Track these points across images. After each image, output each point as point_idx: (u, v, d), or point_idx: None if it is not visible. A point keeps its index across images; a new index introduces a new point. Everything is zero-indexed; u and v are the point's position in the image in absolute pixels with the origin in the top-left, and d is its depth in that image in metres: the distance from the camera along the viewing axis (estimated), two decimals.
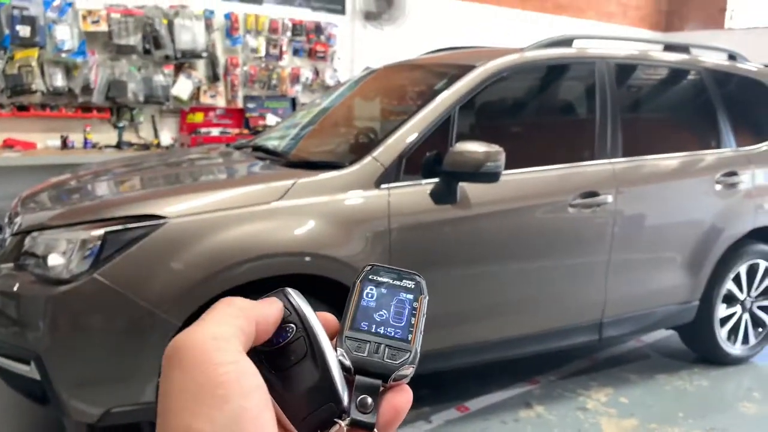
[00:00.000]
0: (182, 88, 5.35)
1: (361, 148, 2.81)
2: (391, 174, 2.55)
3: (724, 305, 3.49)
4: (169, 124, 5.51)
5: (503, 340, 2.88)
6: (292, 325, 0.43)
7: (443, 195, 2.58)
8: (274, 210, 2.36)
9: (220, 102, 5.78)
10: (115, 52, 5.04)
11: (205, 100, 5.64)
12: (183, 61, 5.37)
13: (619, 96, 3.15)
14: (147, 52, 5.13)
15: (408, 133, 2.62)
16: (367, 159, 2.56)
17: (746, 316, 3.60)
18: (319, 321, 0.44)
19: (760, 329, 3.67)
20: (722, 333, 3.52)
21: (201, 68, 5.61)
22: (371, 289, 0.47)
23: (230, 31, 5.74)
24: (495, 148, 2.49)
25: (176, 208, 2.26)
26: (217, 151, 3.61)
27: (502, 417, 3.00)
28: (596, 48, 3.27)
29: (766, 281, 3.60)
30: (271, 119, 6.00)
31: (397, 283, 0.47)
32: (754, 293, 3.59)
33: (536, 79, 3.22)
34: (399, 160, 2.57)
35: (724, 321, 3.52)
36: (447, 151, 2.56)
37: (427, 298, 0.47)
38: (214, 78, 5.65)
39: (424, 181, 2.60)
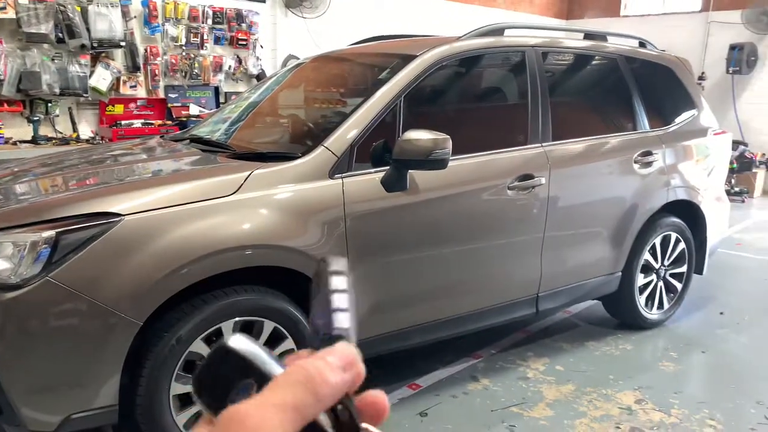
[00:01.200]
0: (100, 79, 5.11)
1: (309, 139, 2.83)
2: (343, 163, 2.60)
3: (642, 275, 3.82)
4: (88, 116, 5.26)
5: (452, 318, 3.02)
6: (250, 381, 0.39)
7: (394, 182, 2.66)
8: (231, 203, 2.36)
9: (141, 93, 5.58)
10: (25, 40, 4.74)
11: (125, 91, 5.42)
12: (100, 51, 5.14)
13: (548, 83, 3.34)
14: (60, 41, 4.86)
15: (358, 123, 2.68)
16: (320, 149, 2.60)
17: (660, 284, 3.95)
18: (273, 359, 0.41)
19: (672, 295, 4.04)
20: (641, 300, 3.85)
21: (119, 58, 5.38)
22: None
23: (149, 19, 5.53)
24: (442, 135, 2.59)
25: (131, 205, 2.21)
26: (142, 145, 3.48)
27: (452, 391, 3.15)
28: (525, 36, 3.44)
29: (677, 251, 3.96)
30: (194, 109, 5.87)
31: None
32: (666, 262, 3.94)
33: (473, 67, 3.35)
34: (350, 149, 2.63)
35: (642, 289, 3.84)
36: (394, 140, 2.64)
37: None
38: (133, 68, 5.44)
39: (374, 170, 2.67)
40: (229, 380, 0.39)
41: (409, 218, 2.77)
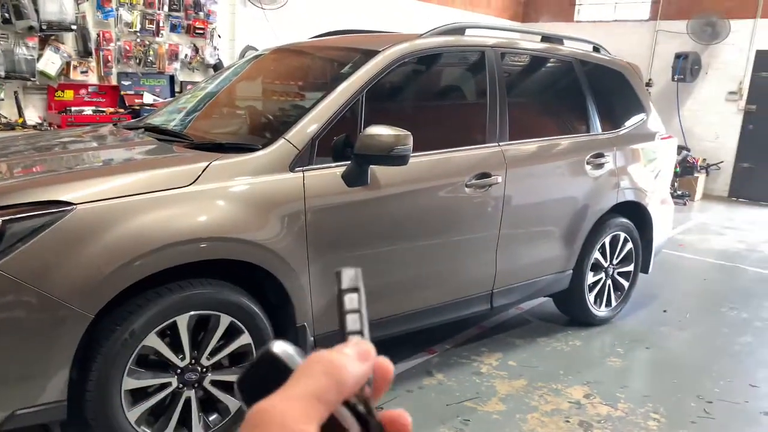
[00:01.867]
0: (49, 63, 4.91)
1: (270, 131, 2.80)
2: (304, 157, 2.59)
3: (592, 273, 3.93)
4: (35, 101, 5.05)
5: (409, 313, 3.04)
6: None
7: (355, 177, 2.67)
8: (189, 194, 2.31)
9: (93, 79, 5.40)
10: None
11: (76, 76, 5.23)
12: (49, 34, 4.93)
13: (506, 83, 3.40)
14: (7, 21, 4.65)
15: (320, 116, 2.67)
16: (280, 141, 2.58)
17: (609, 282, 4.08)
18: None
19: (619, 293, 4.18)
20: (590, 298, 3.97)
21: (70, 42, 5.18)
22: None
23: (102, 3, 5.35)
24: (404, 132, 2.60)
25: (83, 194, 2.14)
26: (94, 133, 3.37)
27: (407, 386, 3.18)
28: (485, 36, 3.49)
29: (625, 250, 4.10)
30: (148, 97, 5.72)
31: None
32: (615, 261, 4.07)
33: (434, 65, 3.38)
34: (312, 143, 2.61)
35: (591, 287, 3.96)
36: (356, 135, 2.64)
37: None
38: (85, 53, 5.25)
39: (335, 164, 2.67)
40: (268, 382, 0.40)
41: (369, 213, 2.78)
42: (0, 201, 2.08)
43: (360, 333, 0.45)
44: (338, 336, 0.45)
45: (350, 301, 0.46)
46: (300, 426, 0.37)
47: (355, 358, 0.42)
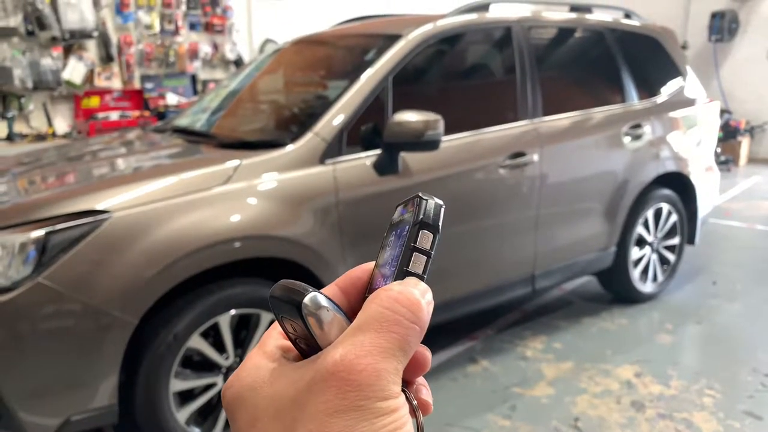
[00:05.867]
0: (74, 72, 4.95)
1: (297, 125, 2.76)
2: (334, 149, 2.54)
3: (636, 248, 3.81)
4: (63, 111, 5.10)
5: (449, 302, 2.98)
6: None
7: (386, 166, 2.61)
8: (222, 194, 2.29)
9: (117, 84, 5.43)
10: None
11: (100, 82, 5.26)
12: (72, 42, 4.97)
13: (536, 57, 3.29)
14: (30, 33, 4.69)
15: (347, 107, 2.61)
16: (309, 135, 2.53)
17: (654, 257, 3.95)
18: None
19: (666, 267, 4.04)
20: (635, 274, 3.84)
21: (92, 49, 5.21)
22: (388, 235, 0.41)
23: (120, 8, 5.37)
24: (433, 116, 2.54)
25: (118, 201, 2.13)
26: (123, 139, 3.37)
27: (452, 374, 3.13)
28: (509, 11, 3.38)
29: (669, 223, 3.96)
30: (172, 98, 5.73)
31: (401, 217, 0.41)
32: (659, 235, 3.93)
33: (460, 44, 3.28)
34: (340, 134, 2.56)
35: (636, 263, 3.84)
36: (384, 123, 2.58)
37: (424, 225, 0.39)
38: (107, 59, 5.28)
39: (365, 154, 2.61)
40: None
41: None
42: (40, 213, 2.09)
43: (421, 278, 0.39)
44: (395, 270, 0.38)
45: (425, 239, 0.39)
46: (393, 387, 0.33)
47: (424, 299, 0.36)
